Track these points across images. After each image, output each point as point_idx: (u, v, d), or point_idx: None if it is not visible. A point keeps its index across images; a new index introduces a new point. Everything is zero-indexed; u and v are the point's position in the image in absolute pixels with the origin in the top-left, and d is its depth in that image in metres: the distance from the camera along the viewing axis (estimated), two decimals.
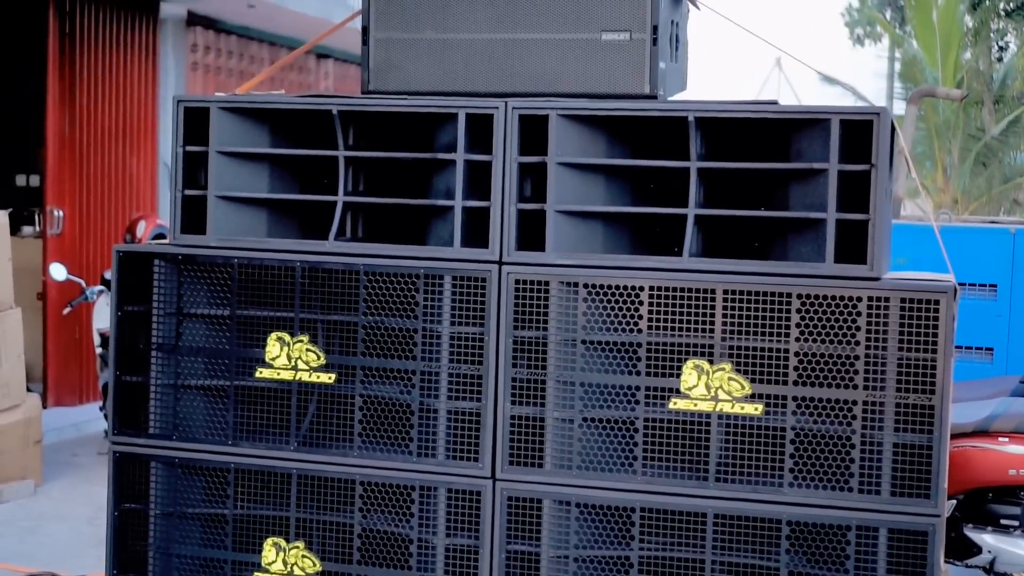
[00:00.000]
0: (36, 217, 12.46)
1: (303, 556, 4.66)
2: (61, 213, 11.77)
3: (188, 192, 4.77)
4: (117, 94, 11.84)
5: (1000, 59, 30.04)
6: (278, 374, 4.67)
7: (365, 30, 4.79)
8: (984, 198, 26.58)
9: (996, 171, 26.74)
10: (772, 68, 27.31)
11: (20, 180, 13.33)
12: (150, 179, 12.53)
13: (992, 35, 29.41)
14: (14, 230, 10.70)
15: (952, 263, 4.89)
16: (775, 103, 4.32)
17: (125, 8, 11.76)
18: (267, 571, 4.68)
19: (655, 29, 4.46)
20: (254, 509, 4.72)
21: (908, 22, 29.87)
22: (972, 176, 26.06)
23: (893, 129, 4.32)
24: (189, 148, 4.76)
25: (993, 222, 10.10)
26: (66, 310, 10.98)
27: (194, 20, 12.67)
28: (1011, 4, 24.96)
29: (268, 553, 4.69)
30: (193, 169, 4.78)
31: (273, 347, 4.66)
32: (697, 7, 4.87)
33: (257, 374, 4.68)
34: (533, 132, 4.45)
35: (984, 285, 8.16)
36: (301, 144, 4.80)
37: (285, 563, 4.67)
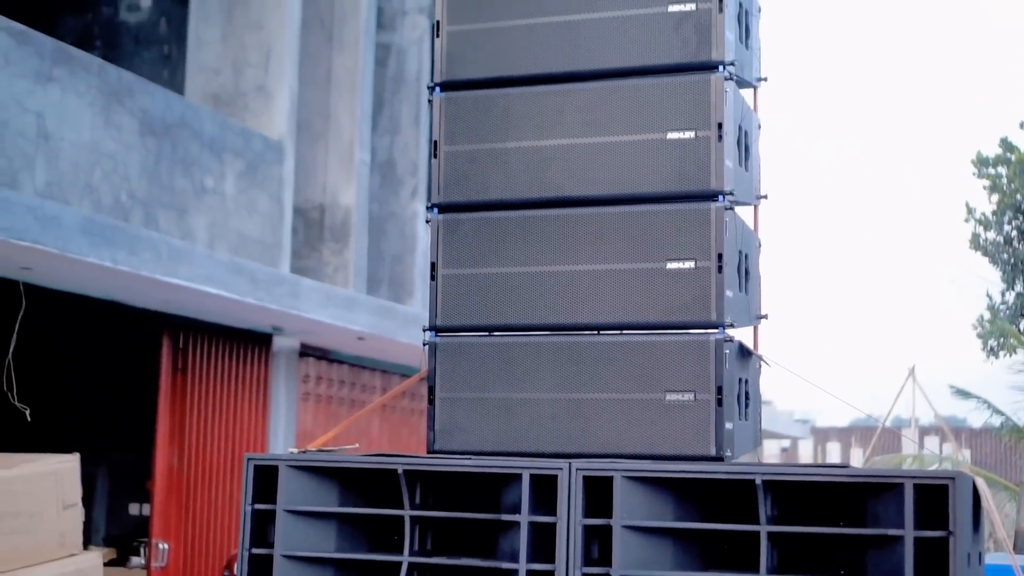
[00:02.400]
0: (142, 549, 12.51)
1: None
2: (167, 546, 11.81)
3: (255, 551, 4.71)
4: (227, 426, 12.03)
5: None
6: None
7: (431, 390, 4.79)
8: None
9: None
10: (907, 378, 26.96)
11: (133, 509, 13.47)
12: None
13: None
14: (122, 560, 10.70)
15: None
16: (846, 466, 4.14)
17: (239, 342, 12.07)
18: None
19: (720, 390, 4.37)
20: None
21: None
22: None
23: (976, 491, 4.10)
24: (257, 506, 4.72)
25: None
26: None
27: (306, 351, 12.95)
28: None
29: None
30: (262, 526, 4.74)
31: None
32: (768, 364, 4.78)
33: None
34: (598, 493, 4.32)
35: None
36: (370, 499, 4.73)
37: None
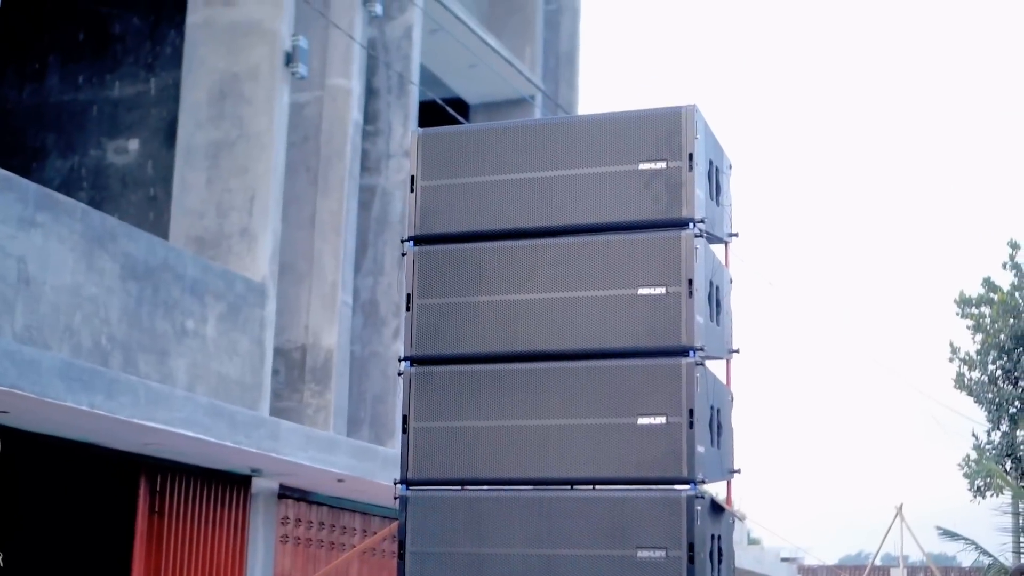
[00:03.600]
0: None
1: None
2: None
3: None
4: (203, 570, 11.86)
5: None
6: None
7: (401, 544, 4.74)
8: None
9: None
10: (895, 517, 26.85)
11: None
12: None
13: None
14: None
15: None
16: None
17: (217, 484, 11.96)
18: None
19: (691, 547, 4.35)
20: None
21: None
22: None
23: None
24: None
25: None
26: None
27: (285, 493, 12.83)
28: None
29: None
30: None
31: None
32: (741, 520, 4.74)
33: None
34: None
35: None
36: None
37: None
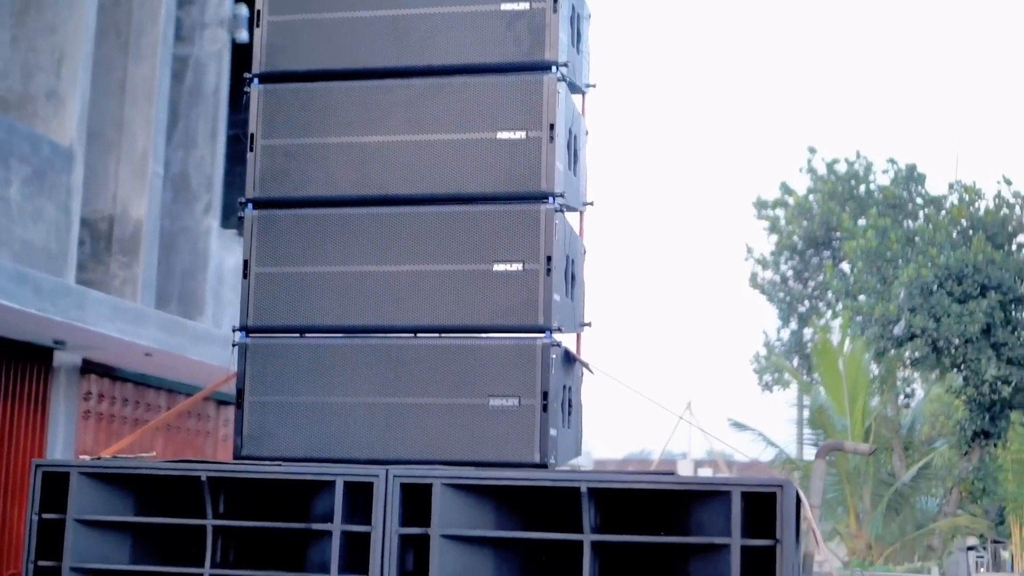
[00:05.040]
0: None
1: None
2: None
3: (42, 563, 4.40)
4: (0, 444, 11.42)
5: (907, 406, 30.53)
6: None
7: (239, 393, 4.56)
8: (898, 544, 26.40)
9: (908, 517, 26.71)
10: (683, 411, 27.43)
11: None
12: None
13: (899, 383, 29.97)
14: None
15: None
16: (672, 473, 4.08)
17: (17, 356, 11.48)
18: None
19: (545, 395, 4.26)
20: None
21: (815, 369, 30.38)
22: (885, 522, 25.95)
23: (799, 500, 4.08)
24: (45, 516, 4.42)
25: (916, 572, 9.79)
26: None
27: (89, 368, 12.41)
28: (915, 354, 25.52)
29: None
30: (49, 538, 4.42)
31: None
32: (591, 371, 4.69)
33: None
34: (416, 501, 4.16)
35: None
36: (169, 509, 4.46)
37: None
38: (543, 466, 4.24)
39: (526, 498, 4.19)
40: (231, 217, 15.63)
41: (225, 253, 14.65)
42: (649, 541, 4.04)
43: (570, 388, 4.52)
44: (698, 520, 4.06)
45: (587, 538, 4.04)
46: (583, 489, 4.03)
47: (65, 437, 12.11)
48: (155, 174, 13.33)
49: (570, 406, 4.52)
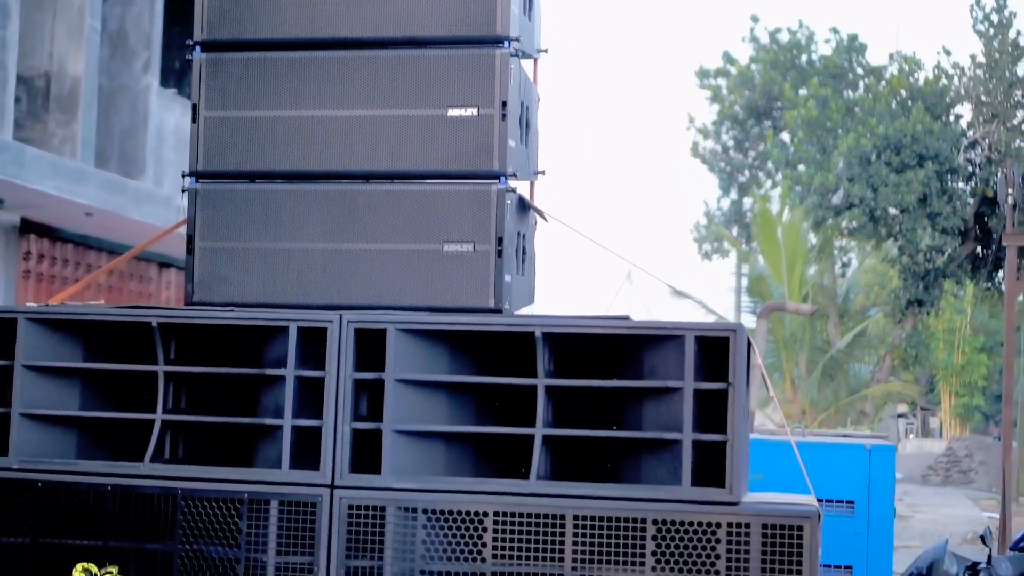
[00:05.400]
0: None
1: None
2: None
3: None
4: None
5: (843, 275, 30.90)
6: None
7: (190, 239, 4.50)
8: (832, 409, 26.94)
9: (842, 383, 27.22)
10: (623, 282, 27.60)
11: None
12: None
13: (836, 252, 30.29)
14: None
15: (808, 479, 4.66)
16: (627, 318, 4.10)
17: None
18: None
19: (500, 241, 4.25)
20: None
21: (754, 239, 30.63)
22: (819, 388, 26.44)
23: (749, 345, 4.12)
24: None
25: (846, 435, 9.98)
26: None
27: (28, 228, 12.25)
28: (852, 223, 25.78)
29: None
30: None
31: None
32: (545, 219, 4.68)
33: None
34: (371, 345, 4.16)
35: (841, 502, 7.97)
36: (120, 356, 4.44)
37: None
38: (497, 311, 4.25)
39: (480, 343, 4.21)
40: (171, 76, 15.36)
41: (165, 113, 14.42)
42: (603, 385, 4.08)
43: (524, 235, 4.52)
44: (651, 365, 4.09)
45: (541, 382, 4.07)
46: (538, 334, 4.04)
47: (4, 297, 12.01)
48: (92, 30, 13.03)
49: (524, 253, 4.52)
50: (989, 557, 6.12)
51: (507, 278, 4.27)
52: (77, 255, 13.33)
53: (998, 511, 15.18)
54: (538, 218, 4.67)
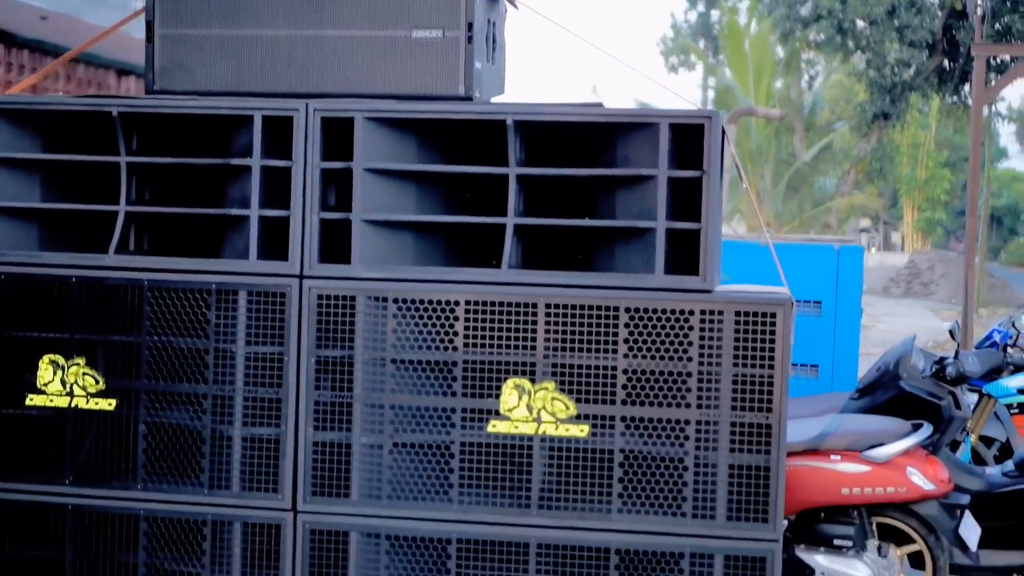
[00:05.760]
0: None
1: None
2: None
3: None
4: None
5: (810, 88, 30.72)
6: (51, 401, 4.19)
7: (149, 26, 4.36)
8: (796, 221, 27.09)
9: (807, 195, 27.33)
10: (589, 96, 27.38)
11: None
12: None
13: (802, 65, 30.06)
14: None
15: (782, 273, 4.67)
16: (600, 105, 4.03)
17: None
18: None
19: (470, 27, 4.13)
20: (24, 551, 4.22)
21: (721, 51, 30.33)
22: (784, 200, 26.53)
23: (724, 135, 4.06)
24: None
25: (813, 240, 10.04)
26: None
27: None
28: (820, 36, 25.50)
29: None
30: None
31: (45, 371, 4.18)
32: (515, 6, 4.55)
33: (27, 401, 4.20)
34: (338, 136, 4.08)
35: (809, 302, 8.04)
36: (81, 148, 4.34)
37: None
38: (468, 99, 4.15)
39: (450, 132, 4.13)
40: None
41: None
42: (575, 174, 4.02)
43: (495, 24, 4.39)
44: (624, 154, 4.03)
45: (512, 171, 4.01)
46: (509, 121, 3.97)
47: None
48: None
49: (494, 42, 4.41)
50: (956, 352, 6.19)
51: (477, 65, 4.17)
52: (33, 61, 13.02)
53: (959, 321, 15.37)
54: (508, 6, 4.54)
